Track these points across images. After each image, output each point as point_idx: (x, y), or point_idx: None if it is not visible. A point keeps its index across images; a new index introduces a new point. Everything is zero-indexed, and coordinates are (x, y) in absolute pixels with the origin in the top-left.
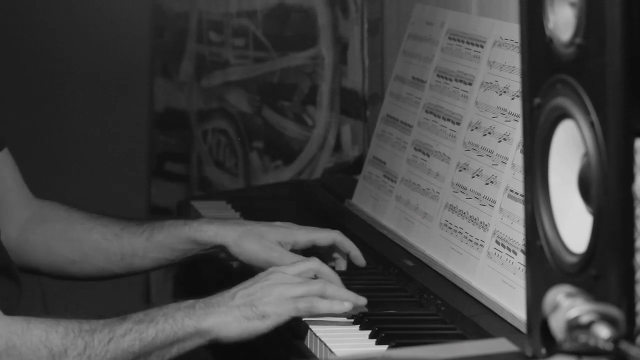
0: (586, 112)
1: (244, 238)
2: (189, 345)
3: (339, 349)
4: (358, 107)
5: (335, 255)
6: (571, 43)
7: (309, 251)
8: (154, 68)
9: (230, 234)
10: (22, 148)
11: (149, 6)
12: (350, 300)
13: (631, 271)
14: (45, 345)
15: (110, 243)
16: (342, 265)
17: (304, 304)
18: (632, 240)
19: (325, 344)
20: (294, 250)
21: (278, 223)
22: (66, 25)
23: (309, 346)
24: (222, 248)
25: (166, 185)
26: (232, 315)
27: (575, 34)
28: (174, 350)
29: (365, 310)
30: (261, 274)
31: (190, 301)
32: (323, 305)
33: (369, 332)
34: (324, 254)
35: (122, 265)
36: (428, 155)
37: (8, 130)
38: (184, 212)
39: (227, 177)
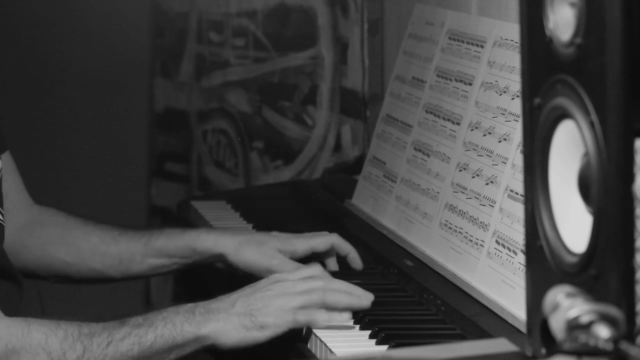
0: (586, 112)
1: (244, 246)
2: (187, 350)
3: (339, 349)
4: (358, 107)
5: (327, 260)
6: (571, 43)
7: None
8: (154, 68)
9: (229, 242)
10: (22, 148)
11: (149, 6)
12: (353, 304)
13: (631, 271)
14: (44, 349)
15: (108, 247)
16: (332, 265)
17: (303, 317)
18: (632, 240)
19: (325, 344)
20: (293, 259)
21: (275, 233)
22: (66, 25)
23: (309, 346)
24: (220, 257)
25: (166, 185)
26: (231, 323)
27: (575, 34)
28: (172, 356)
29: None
30: (263, 282)
31: (190, 305)
32: (322, 317)
33: (369, 332)
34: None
35: (119, 269)
36: (428, 155)
37: (8, 131)
38: (184, 212)
39: (227, 177)
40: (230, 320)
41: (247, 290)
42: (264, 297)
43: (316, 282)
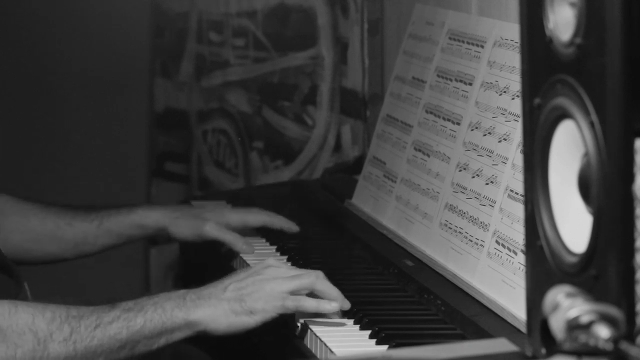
0: (586, 112)
1: (180, 219)
2: (177, 336)
3: (339, 349)
4: (358, 107)
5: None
6: (571, 43)
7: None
8: (154, 68)
9: (169, 216)
10: (22, 148)
11: (149, 6)
12: (338, 299)
13: (631, 271)
14: (30, 329)
15: (64, 232)
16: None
17: (292, 303)
18: (632, 240)
19: (325, 344)
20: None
21: (210, 207)
22: (66, 25)
23: (309, 346)
24: (162, 230)
25: (166, 185)
26: (221, 309)
27: (575, 34)
28: (162, 341)
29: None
30: (257, 267)
31: (182, 291)
32: (310, 305)
33: (369, 332)
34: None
35: (73, 251)
36: (428, 155)
37: (8, 130)
38: None
39: (227, 177)
40: (220, 305)
41: (240, 275)
42: (255, 282)
43: (308, 271)
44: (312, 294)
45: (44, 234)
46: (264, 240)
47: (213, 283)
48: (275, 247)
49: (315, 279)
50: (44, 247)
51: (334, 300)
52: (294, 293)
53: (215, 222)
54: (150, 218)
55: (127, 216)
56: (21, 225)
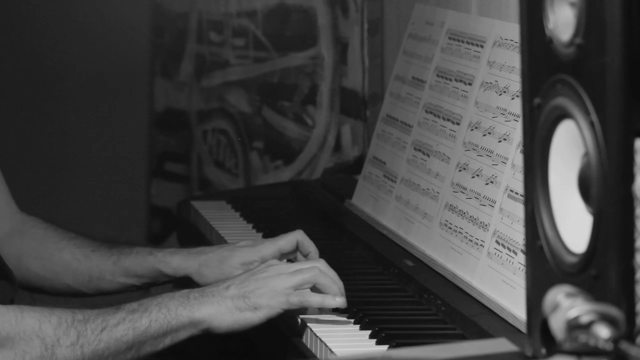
0: (586, 112)
1: (204, 267)
2: (183, 335)
3: (339, 349)
4: (358, 107)
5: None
6: (571, 43)
7: None
8: (154, 68)
9: (192, 264)
10: (23, 148)
11: (149, 6)
12: (337, 295)
13: (631, 271)
14: (37, 336)
15: (80, 264)
16: None
17: (296, 298)
18: (632, 240)
19: (325, 344)
20: None
21: (242, 243)
22: (66, 25)
23: (308, 346)
24: (187, 278)
25: (166, 185)
26: (225, 306)
27: (575, 34)
28: (168, 340)
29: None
30: (260, 266)
31: (185, 290)
32: (315, 300)
33: (369, 332)
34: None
35: (90, 286)
36: (428, 155)
37: (8, 131)
38: (184, 212)
39: (227, 177)
40: (224, 303)
41: (243, 275)
42: (258, 279)
43: (310, 264)
44: (314, 288)
45: (59, 264)
46: None
47: (216, 282)
48: None
49: (318, 272)
50: (60, 277)
51: (336, 294)
52: (297, 288)
53: (247, 269)
54: (170, 265)
55: (144, 257)
56: (37, 251)
